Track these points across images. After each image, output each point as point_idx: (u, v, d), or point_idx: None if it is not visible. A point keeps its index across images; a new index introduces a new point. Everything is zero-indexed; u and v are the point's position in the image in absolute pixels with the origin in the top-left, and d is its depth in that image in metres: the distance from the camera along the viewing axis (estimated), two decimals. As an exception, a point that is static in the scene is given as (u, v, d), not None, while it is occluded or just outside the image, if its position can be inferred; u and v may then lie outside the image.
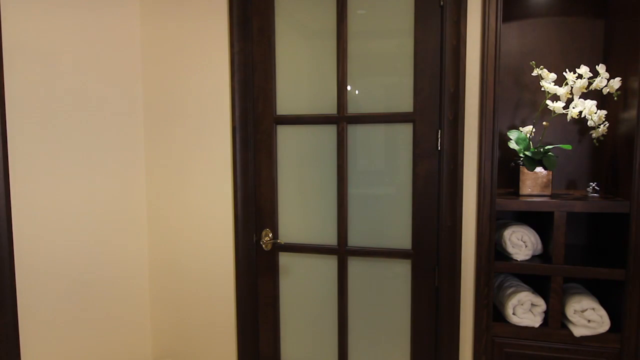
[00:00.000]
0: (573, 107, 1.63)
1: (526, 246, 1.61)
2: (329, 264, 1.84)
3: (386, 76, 1.72)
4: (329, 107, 1.78)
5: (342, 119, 1.75)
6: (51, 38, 1.61)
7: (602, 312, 1.53)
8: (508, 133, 1.73)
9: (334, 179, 1.80)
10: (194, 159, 1.91)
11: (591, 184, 1.68)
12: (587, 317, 1.53)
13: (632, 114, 1.52)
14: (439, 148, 1.65)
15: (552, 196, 1.64)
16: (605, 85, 1.59)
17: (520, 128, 1.75)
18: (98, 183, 1.80)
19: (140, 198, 1.98)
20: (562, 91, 1.63)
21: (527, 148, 1.67)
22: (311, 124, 1.81)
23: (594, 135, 1.68)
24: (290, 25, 1.81)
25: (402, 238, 1.74)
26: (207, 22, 1.83)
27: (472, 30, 1.58)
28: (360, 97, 1.75)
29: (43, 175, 1.60)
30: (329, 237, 1.83)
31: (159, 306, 2.03)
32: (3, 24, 1.45)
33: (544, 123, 1.71)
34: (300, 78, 1.82)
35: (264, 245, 1.87)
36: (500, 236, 1.68)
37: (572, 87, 1.61)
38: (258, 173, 1.88)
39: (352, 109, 1.76)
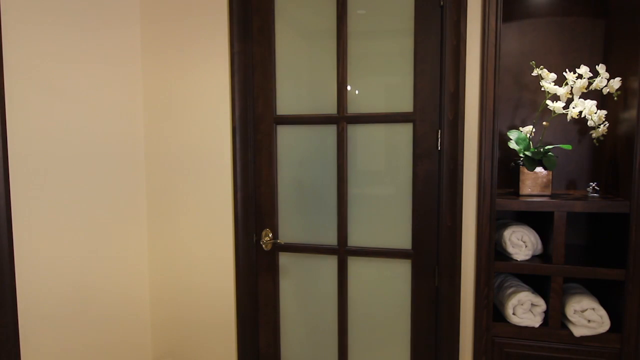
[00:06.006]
0: (573, 107, 1.63)
1: (526, 246, 1.61)
2: (329, 264, 1.84)
3: (386, 76, 1.72)
4: (329, 107, 1.78)
5: (342, 119, 1.75)
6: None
7: (602, 312, 1.53)
8: (508, 133, 1.73)
9: (334, 179, 1.80)
10: (194, 159, 1.91)
11: (591, 184, 1.68)
12: (587, 317, 1.53)
13: (632, 114, 1.52)
14: (439, 148, 1.65)
15: (552, 196, 1.64)
16: (605, 85, 1.59)
17: (520, 128, 1.75)
18: (98, 181, 1.80)
19: (140, 197, 1.98)
20: (562, 91, 1.63)
21: (527, 148, 1.67)
22: (311, 124, 1.81)
23: (594, 135, 1.68)
24: (290, 25, 1.81)
25: (402, 238, 1.74)
26: (207, 22, 1.83)
27: (472, 30, 1.58)
28: (360, 97, 1.75)
29: (42, 181, 1.60)
30: (329, 237, 1.83)
31: (159, 306, 2.03)
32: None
33: (544, 123, 1.71)
34: (300, 78, 1.82)
35: (264, 245, 1.87)
36: (500, 236, 1.68)
37: (572, 87, 1.61)
38: (258, 173, 1.88)
39: (352, 109, 1.76)
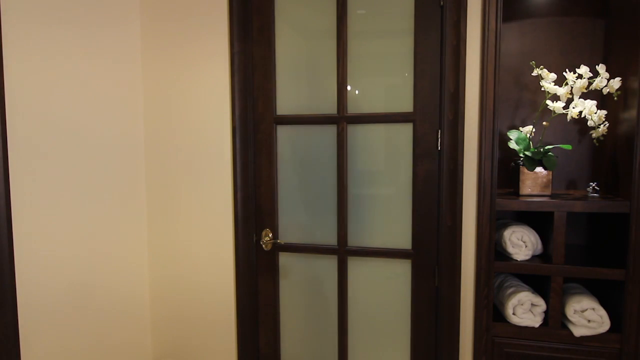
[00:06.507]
0: (573, 107, 1.63)
1: (526, 246, 1.61)
2: (329, 264, 1.84)
3: (386, 76, 1.72)
4: (329, 107, 1.78)
5: (342, 119, 1.75)
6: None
7: (602, 312, 1.53)
8: (508, 133, 1.73)
9: (334, 179, 1.80)
10: (194, 159, 1.91)
11: (591, 184, 1.68)
12: (587, 317, 1.53)
13: (632, 114, 1.52)
14: (439, 148, 1.65)
15: (552, 196, 1.64)
16: (605, 85, 1.59)
17: (520, 128, 1.75)
18: (98, 182, 1.80)
19: (140, 197, 1.98)
20: (562, 91, 1.63)
21: (527, 148, 1.67)
22: (311, 124, 1.81)
23: (594, 135, 1.68)
24: (290, 25, 1.81)
25: (402, 238, 1.74)
26: (207, 21, 1.83)
27: (472, 31, 1.58)
28: (360, 97, 1.75)
29: (43, 179, 1.60)
30: (329, 237, 1.83)
31: (159, 306, 2.03)
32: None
33: (544, 123, 1.71)
34: (300, 78, 1.82)
35: (264, 245, 1.87)
36: (500, 236, 1.68)
37: (572, 87, 1.61)
38: (258, 173, 1.88)
39: (352, 109, 1.76)
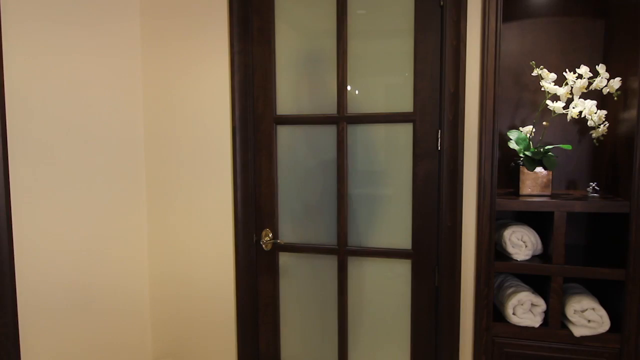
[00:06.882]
0: (573, 107, 1.63)
1: (526, 246, 1.61)
2: (329, 264, 1.84)
3: (386, 76, 1.72)
4: (329, 107, 1.78)
5: (342, 119, 1.75)
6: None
7: (602, 312, 1.53)
8: (508, 133, 1.73)
9: (334, 179, 1.80)
10: (194, 159, 1.91)
11: (591, 184, 1.68)
12: (587, 317, 1.53)
13: (632, 114, 1.52)
14: (439, 148, 1.65)
15: (552, 196, 1.64)
16: (605, 85, 1.59)
17: (520, 128, 1.75)
18: (98, 182, 1.80)
19: (140, 198, 1.98)
20: (562, 91, 1.63)
21: (527, 148, 1.67)
22: (311, 124, 1.81)
23: (594, 135, 1.68)
24: (290, 25, 1.81)
25: (402, 238, 1.74)
26: (207, 21, 1.83)
27: (472, 31, 1.58)
28: (360, 97, 1.75)
29: (43, 178, 1.60)
30: (329, 237, 1.83)
31: (159, 306, 2.03)
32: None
33: (544, 123, 1.71)
34: (300, 78, 1.82)
35: (264, 245, 1.87)
36: (500, 236, 1.68)
37: (572, 87, 1.61)
38: (258, 173, 1.88)
39: (352, 109, 1.76)
